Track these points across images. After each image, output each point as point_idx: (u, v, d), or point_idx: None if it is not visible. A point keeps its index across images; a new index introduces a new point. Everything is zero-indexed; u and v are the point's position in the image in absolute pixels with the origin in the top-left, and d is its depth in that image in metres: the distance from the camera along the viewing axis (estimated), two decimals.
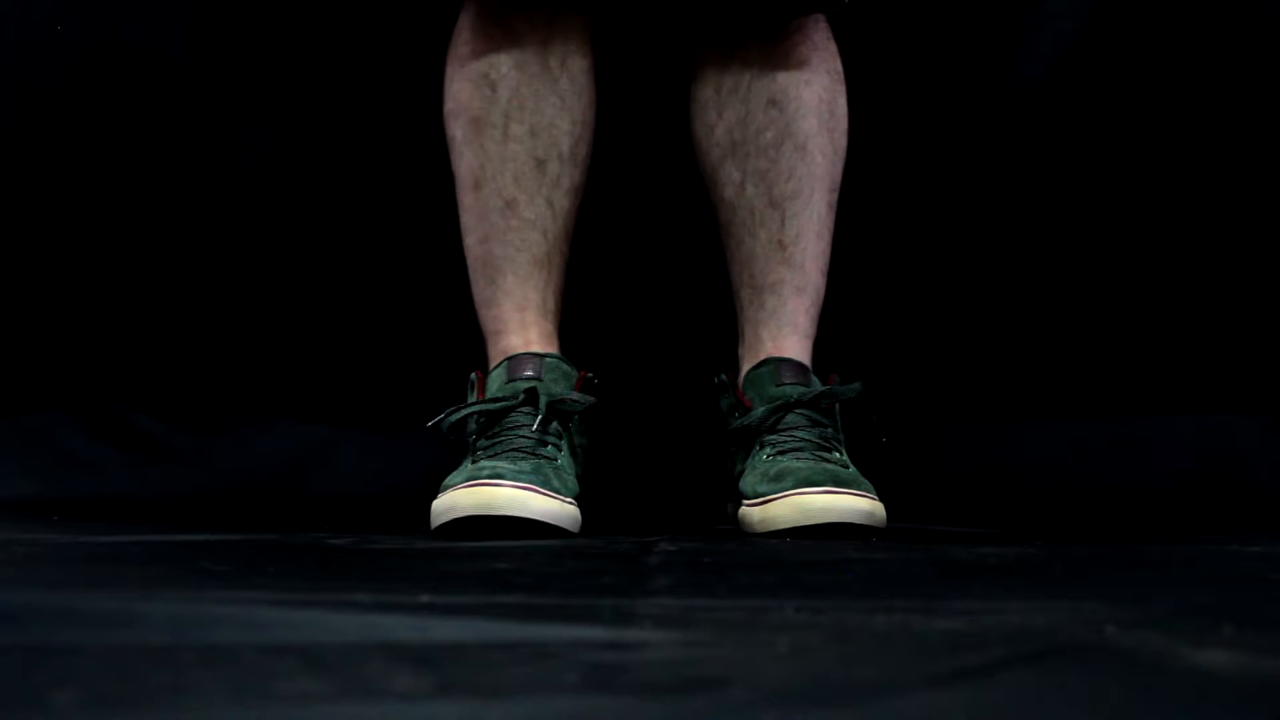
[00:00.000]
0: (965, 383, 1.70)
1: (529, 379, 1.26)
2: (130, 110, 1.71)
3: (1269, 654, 0.57)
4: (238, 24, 1.70)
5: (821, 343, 1.36)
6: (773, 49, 1.35)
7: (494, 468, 1.17)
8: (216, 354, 1.73)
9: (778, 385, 1.29)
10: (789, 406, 1.28)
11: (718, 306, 1.43)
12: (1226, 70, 1.65)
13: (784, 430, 1.27)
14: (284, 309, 1.72)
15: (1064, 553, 1.05)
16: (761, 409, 1.28)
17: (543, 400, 1.23)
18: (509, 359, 1.28)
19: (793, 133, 1.34)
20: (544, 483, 1.17)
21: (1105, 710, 0.47)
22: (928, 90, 1.68)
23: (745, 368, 1.35)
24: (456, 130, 1.34)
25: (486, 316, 1.34)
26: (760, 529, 1.22)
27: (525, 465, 1.18)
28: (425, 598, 0.73)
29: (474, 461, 1.20)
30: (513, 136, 1.31)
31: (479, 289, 1.34)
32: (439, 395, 1.70)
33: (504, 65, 1.31)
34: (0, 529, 1.23)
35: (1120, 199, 1.68)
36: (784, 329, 1.34)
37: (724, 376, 1.35)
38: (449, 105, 1.35)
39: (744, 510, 1.26)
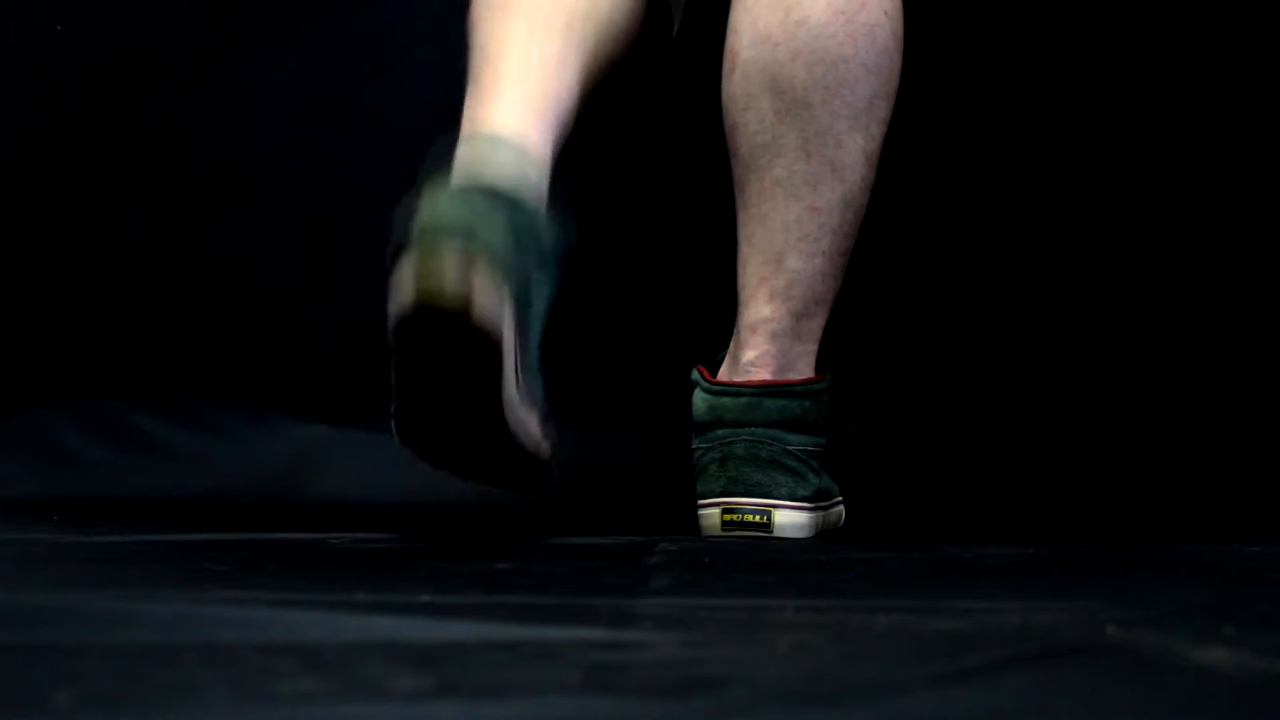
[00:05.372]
0: (964, 384, 1.70)
1: None
2: (130, 110, 1.71)
3: (1269, 654, 0.57)
4: (238, 23, 1.70)
5: (823, 342, 1.35)
6: None
7: None
8: (216, 353, 1.73)
9: None
10: None
11: (715, 303, 1.43)
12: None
13: None
14: (284, 308, 1.72)
15: (1064, 553, 1.05)
16: None
17: None
18: None
19: None
20: None
21: (1105, 710, 0.47)
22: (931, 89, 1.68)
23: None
24: None
25: None
26: None
27: None
28: (425, 598, 0.73)
29: None
30: None
31: None
32: None
33: None
34: (0, 529, 1.23)
35: (1120, 200, 1.67)
36: None
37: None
38: None
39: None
